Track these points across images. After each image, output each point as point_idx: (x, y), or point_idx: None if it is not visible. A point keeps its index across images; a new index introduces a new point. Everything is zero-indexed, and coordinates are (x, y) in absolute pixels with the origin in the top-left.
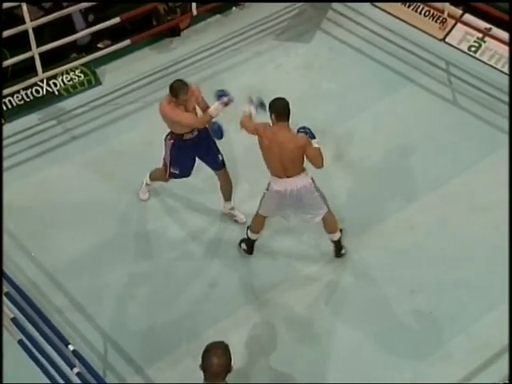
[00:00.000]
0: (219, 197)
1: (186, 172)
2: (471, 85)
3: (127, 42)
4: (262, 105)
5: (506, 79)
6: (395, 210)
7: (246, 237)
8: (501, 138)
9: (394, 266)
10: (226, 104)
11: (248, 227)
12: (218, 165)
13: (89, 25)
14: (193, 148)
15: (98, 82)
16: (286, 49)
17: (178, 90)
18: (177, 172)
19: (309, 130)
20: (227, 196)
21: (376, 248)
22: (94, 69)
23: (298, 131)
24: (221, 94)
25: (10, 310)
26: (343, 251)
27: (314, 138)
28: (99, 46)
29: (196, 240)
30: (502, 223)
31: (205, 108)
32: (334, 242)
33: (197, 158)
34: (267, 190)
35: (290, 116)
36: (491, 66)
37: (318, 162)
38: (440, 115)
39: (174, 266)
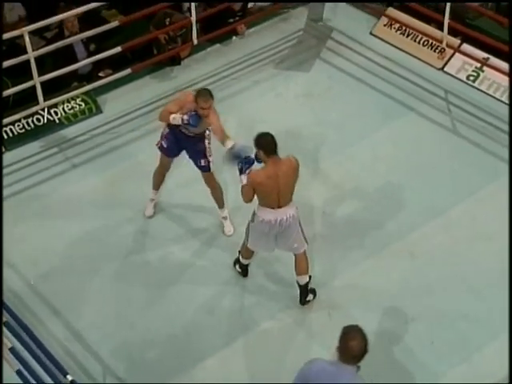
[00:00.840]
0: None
1: (170, 152)
2: (470, 113)
3: (128, 70)
4: (243, 156)
5: (504, 108)
6: (396, 237)
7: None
8: (501, 167)
9: (394, 293)
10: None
11: (239, 251)
12: (200, 167)
13: (90, 54)
14: (184, 139)
15: (99, 111)
16: (286, 78)
17: (200, 95)
18: (164, 146)
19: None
20: (218, 203)
21: (376, 275)
22: (94, 97)
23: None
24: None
25: (8, 340)
26: (309, 298)
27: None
28: (100, 74)
29: (191, 265)
30: (503, 252)
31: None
32: (301, 286)
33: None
34: (252, 221)
35: (280, 146)
36: (490, 95)
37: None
38: (440, 143)
39: (170, 292)
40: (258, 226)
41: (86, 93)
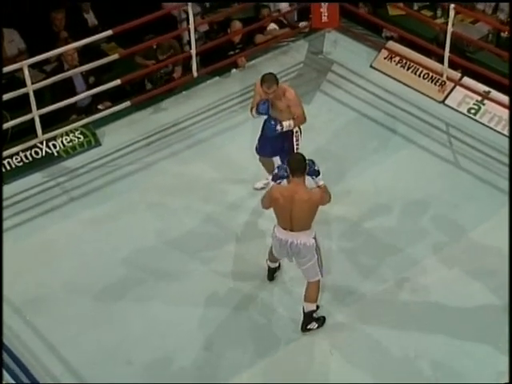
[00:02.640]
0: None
1: (262, 150)
2: (472, 147)
3: (127, 103)
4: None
5: (506, 141)
6: (397, 272)
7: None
8: (503, 200)
9: (396, 330)
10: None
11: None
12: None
13: (89, 87)
14: (273, 136)
15: (98, 143)
16: None
17: (265, 80)
18: (257, 146)
19: (311, 165)
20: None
21: (378, 312)
22: (93, 130)
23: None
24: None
25: (5, 381)
26: (311, 326)
27: (319, 174)
28: (99, 107)
29: (187, 301)
30: (505, 288)
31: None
32: (305, 313)
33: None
34: (273, 232)
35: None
36: (491, 129)
37: (328, 202)
38: (440, 177)
39: (169, 325)
40: (274, 239)
41: (84, 125)
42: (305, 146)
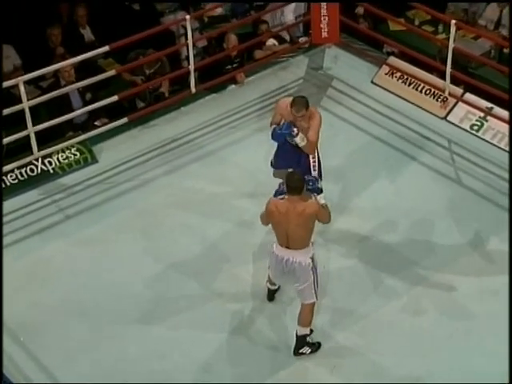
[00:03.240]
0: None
1: (277, 165)
2: (474, 163)
3: (124, 119)
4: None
5: (508, 158)
6: (399, 292)
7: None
8: (507, 219)
9: (400, 352)
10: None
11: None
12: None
13: (86, 103)
14: (291, 152)
15: (95, 160)
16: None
17: (295, 103)
18: (272, 160)
19: (313, 182)
20: None
21: (380, 334)
22: (90, 147)
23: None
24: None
25: None
26: (304, 351)
27: (321, 192)
28: (96, 123)
29: (185, 322)
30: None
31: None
32: (298, 337)
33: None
34: (271, 249)
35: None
36: (494, 145)
37: (327, 221)
38: (443, 194)
39: (165, 347)
40: (271, 256)
41: (81, 142)
42: None
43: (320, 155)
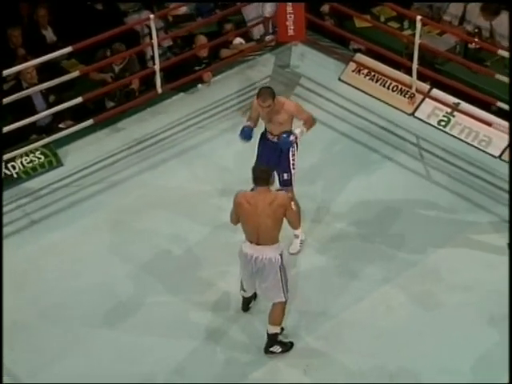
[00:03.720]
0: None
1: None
2: (443, 159)
3: (90, 121)
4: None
5: (476, 153)
6: (371, 288)
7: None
8: (476, 213)
9: (371, 349)
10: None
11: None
12: (280, 181)
13: (50, 105)
14: (271, 149)
15: (60, 163)
16: None
17: (260, 94)
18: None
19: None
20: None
21: (352, 332)
22: (55, 150)
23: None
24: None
25: None
26: (275, 350)
27: (289, 185)
28: (61, 126)
29: (157, 327)
30: (482, 303)
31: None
32: (269, 335)
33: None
34: (240, 250)
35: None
36: (461, 140)
37: (294, 218)
38: (413, 190)
39: (137, 356)
40: (240, 256)
41: (45, 145)
42: None
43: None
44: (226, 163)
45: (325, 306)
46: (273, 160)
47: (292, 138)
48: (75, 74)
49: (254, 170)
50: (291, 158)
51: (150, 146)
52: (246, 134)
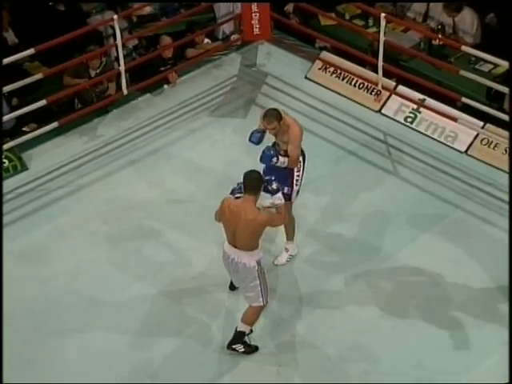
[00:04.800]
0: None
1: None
2: (410, 155)
3: (55, 124)
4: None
5: (443, 149)
6: (341, 287)
7: None
8: (444, 209)
9: (344, 347)
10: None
11: None
12: (282, 194)
13: (13, 109)
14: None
15: (25, 168)
16: (222, 125)
17: (266, 115)
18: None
19: (269, 183)
20: (287, 234)
21: (325, 330)
22: (19, 154)
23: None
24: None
25: None
26: (237, 348)
27: (278, 192)
28: (25, 129)
29: (127, 329)
30: (451, 298)
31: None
32: (237, 332)
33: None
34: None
35: (218, 194)
36: (428, 136)
37: (280, 224)
38: (381, 187)
39: (108, 360)
40: (222, 251)
41: (9, 149)
42: (242, 160)
43: (304, 168)
44: (195, 164)
45: (297, 304)
46: (279, 172)
47: (274, 159)
48: (39, 76)
49: (246, 176)
50: (295, 174)
51: (116, 148)
52: (255, 139)
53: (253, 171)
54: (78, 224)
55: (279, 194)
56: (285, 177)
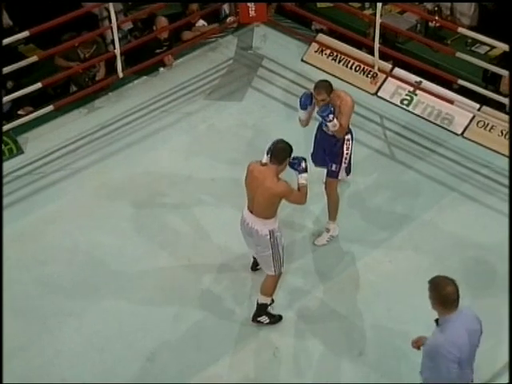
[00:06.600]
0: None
1: (314, 157)
2: (406, 138)
3: (50, 107)
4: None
5: (439, 131)
6: (336, 270)
7: None
8: (440, 191)
9: (340, 327)
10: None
11: None
12: (329, 171)
13: (8, 92)
14: (324, 139)
15: (20, 151)
16: (218, 108)
17: (316, 86)
18: (311, 152)
19: (299, 161)
20: (330, 214)
21: (321, 309)
22: (14, 137)
23: (290, 162)
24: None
25: None
26: (260, 319)
27: (305, 171)
28: (20, 112)
29: (123, 313)
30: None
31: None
32: (258, 304)
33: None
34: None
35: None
36: (424, 119)
37: (300, 203)
38: (377, 170)
39: (104, 343)
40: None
41: (5, 133)
42: (238, 143)
43: (352, 147)
44: (191, 147)
45: (290, 289)
46: (326, 150)
47: (331, 116)
48: (34, 58)
49: (274, 144)
50: (345, 152)
51: (112, 131)
52: (302, 102)
53: (281, 140)
54: (74, 207)
55: (305, 175)
56: (334, 153)
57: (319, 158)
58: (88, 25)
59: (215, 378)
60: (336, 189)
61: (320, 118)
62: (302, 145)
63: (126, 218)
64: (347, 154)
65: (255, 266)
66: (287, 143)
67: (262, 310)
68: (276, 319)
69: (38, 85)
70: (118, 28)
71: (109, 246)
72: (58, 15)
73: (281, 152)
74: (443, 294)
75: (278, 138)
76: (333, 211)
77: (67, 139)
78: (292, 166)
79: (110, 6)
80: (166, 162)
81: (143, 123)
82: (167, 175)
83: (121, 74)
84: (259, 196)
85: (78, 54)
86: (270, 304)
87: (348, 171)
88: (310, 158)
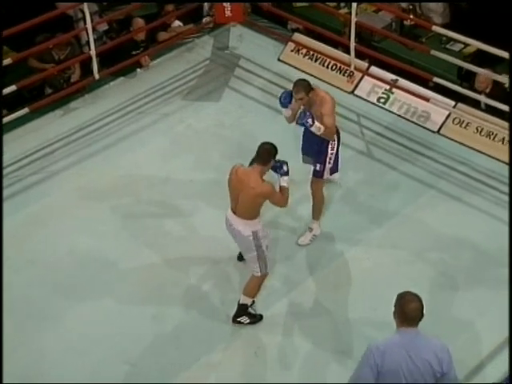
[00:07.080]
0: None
1: (302, 149)
2: (384, 136)
3: (25, 110)
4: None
5: (416, 129)
6: (317, 268)
7: None
8: (418, 188)
9: (324, 325)
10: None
11: None
12: (314, 170)
13: None
14: (311, 137)
15: None
16: (195, 109)
17: (294, 84)
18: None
19: (281, 164)
20: (313, 213)
21: (304, 308)
22: None
23: (272, 166)
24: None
25: None
26: (241, 320)
27: (286, 174)
28: None
29: (105, 316)
30: (425, 277)
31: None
32: (240, 304)
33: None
34: None
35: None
36: (401, 117)
37: (281, 205)
38: (355, 168)
39: (86, 346)
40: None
41: None
42: (216, 144)
43: (339, 145)
44: (168, 149)
45: (271, 287)
46: (312, 148)
47: (310, 121)
48: (7, 61)
49: (259, 146)
50: (329, 152)
51: (89, 133)
52: (282, 101)
53: (267, 142)
54: (53, 210)
55: (287, 178)
56: (319, 152)
57: (304, 147)
58: (63, 26)
59: (196, 378)
60: (321, 189)
61: (302, 127)
62: (282, 144)
63: (105, 219)
64: (332, 154)
65: (242, 257)
66: (272, 144)
67: (242, 310)
68: (257, 319)
69: (13, 87)
70: (94, 29)
71: (89, 248)
72: (32, 17)
73: (265, 153)
74: (405, 309)
75: (256, 137)
76: (316, 210)
77: (44, 142)
78: (274, 168)
79: (85, 6)
80: (144, 164)
81: (120, 125)
82: (146, 177)
83: (97, 76)
84: (243, 196)
85: (53, 56)
86: (251, 305)
87: (333, 171)
88: (301, 151)
